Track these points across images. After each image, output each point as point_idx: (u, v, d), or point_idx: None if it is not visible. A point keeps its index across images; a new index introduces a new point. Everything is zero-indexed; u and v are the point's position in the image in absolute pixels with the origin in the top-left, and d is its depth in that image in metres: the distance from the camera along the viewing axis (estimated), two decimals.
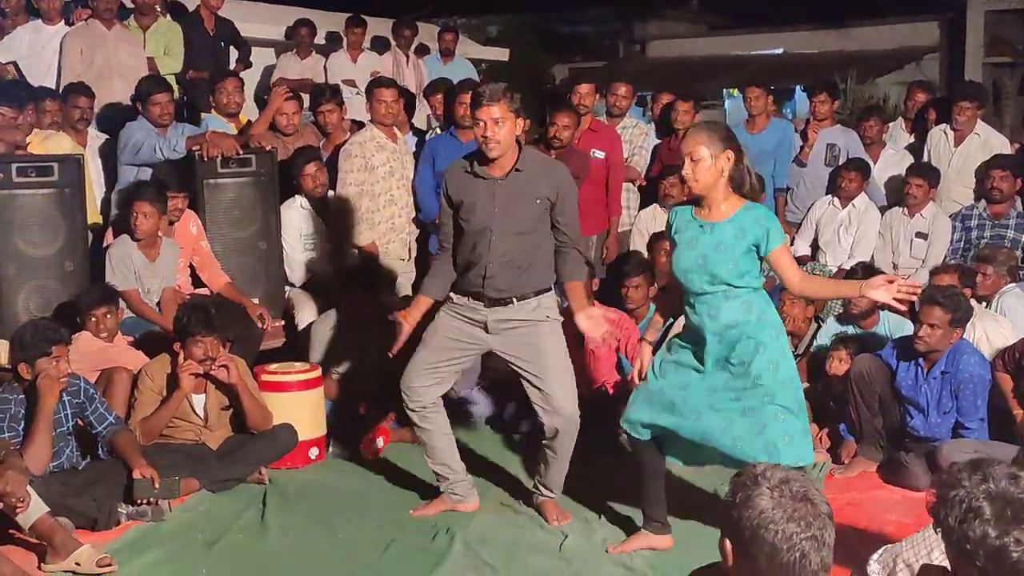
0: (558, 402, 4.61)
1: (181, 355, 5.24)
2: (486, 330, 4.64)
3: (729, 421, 4.16)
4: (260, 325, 6.23)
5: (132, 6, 8.36)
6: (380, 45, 10.59)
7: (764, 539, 2.24)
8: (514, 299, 4.59)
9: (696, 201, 4.26)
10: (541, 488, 4.91)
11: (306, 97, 7.75)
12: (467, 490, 4.93)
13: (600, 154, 7.27)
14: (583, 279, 4.92)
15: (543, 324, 4.64)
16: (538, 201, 4.52)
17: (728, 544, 2.33)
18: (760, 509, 2.26)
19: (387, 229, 6.90)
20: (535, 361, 4.62)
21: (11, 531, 4.47)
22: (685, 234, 4.24)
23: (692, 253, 4.19)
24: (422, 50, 11.19)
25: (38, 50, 7.77)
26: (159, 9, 8.61)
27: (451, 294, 4.70)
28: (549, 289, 4.69)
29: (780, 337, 4.24)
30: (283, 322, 6.61)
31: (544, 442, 4.76)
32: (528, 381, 4.66)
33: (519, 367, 4.67)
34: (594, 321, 4.65)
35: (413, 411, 4.75)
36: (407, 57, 10.58)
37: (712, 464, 4.45)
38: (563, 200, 4.58)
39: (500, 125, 4.39)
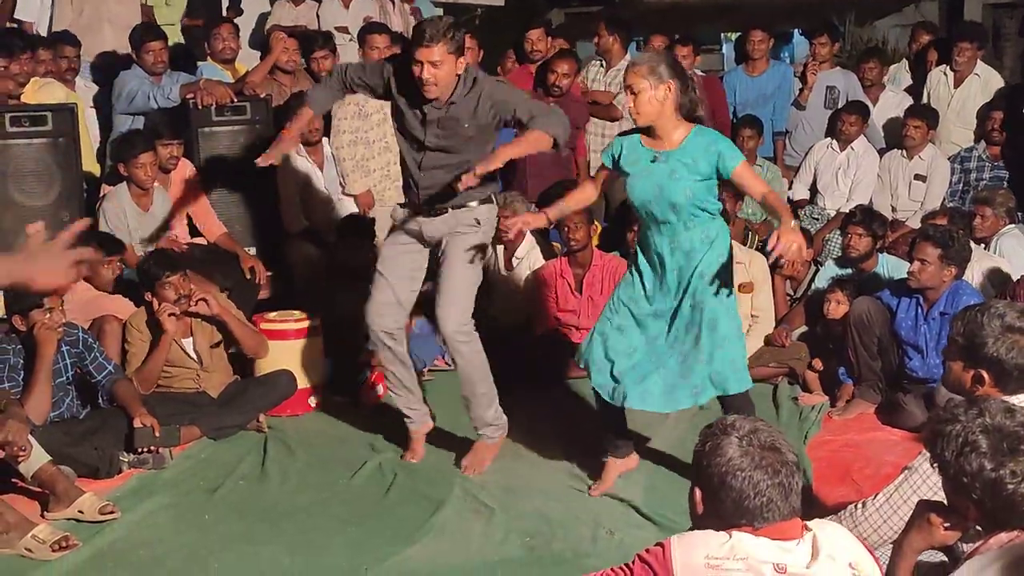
0: (444, 312, 4.63)
1: (155, 303, 5.24)
2: (422, 239, 4.69)
3: (683, 357, 4.26)
4: (250, 277, 6.21)
5: None
6: None
7: (732, 485, 2.30)
8: (449, 207, 4.61)
9: (645, 130, 4.29)
10: (477, 429, 4.89)
11: None
12: (427, 410, 5.02)
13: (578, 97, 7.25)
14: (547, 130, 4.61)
15: (468, 234, 4.64)
16: (467, 125, 4.50)
17: (698, 492, 2.39)
18: (728, 457, 2.32)
19: (382, 176, 6.86)
20: (446, 261, 4.66)
21: (13, 480, 4.49)
22: (637, 165, 4.28)
23: (648, 183, 4.24)
24: None
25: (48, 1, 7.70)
26: None
27: (394, 211, 4.82)
28: (489, 199, 4.69)
29: (727, 266, 4.30)
30: (269, 273, 6.56)
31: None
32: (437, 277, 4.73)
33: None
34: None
35: (381, 336, 4.73)
36: (392, 3, 10.46)
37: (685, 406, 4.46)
38: (500, 107, 4.49)
39: (438, 67, 4.35)
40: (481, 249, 4.70)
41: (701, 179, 4.19)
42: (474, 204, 4.60)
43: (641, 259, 4.40)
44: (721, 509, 2.33)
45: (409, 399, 4.93)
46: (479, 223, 4.64)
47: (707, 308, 4.22)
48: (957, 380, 3.11)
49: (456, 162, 4.52)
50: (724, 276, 4.26)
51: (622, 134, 4.51)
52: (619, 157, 4.35)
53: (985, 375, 3.01)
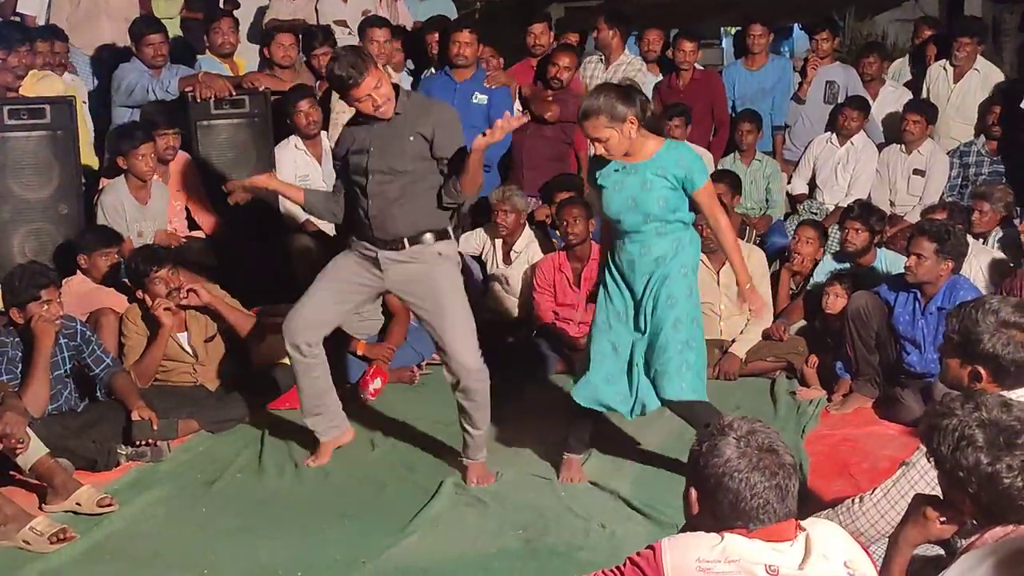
0: (456, 350, 4.50)
1: (147, 299, 5.24)
2: (378, 266, 4.56)
3: (650, 363, 4.33)
4: None
5: None
6: None
7: (728, 487, 2.29)
8: (405, 240, 4.50)
9: None
10: (463, 453, 4.70)
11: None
12: (343, 420, 4.94)
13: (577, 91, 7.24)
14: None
15: (438, 266, 4.54)
16: (412, 139, 4.44)
17: (694, 493, 2.37)
18: (726, 458, 2.31)
19: None
20: (431, 300, 4.54)
21: (11, 472, 4.50)
22: (610, 178, 4.32)
23: (621, 195, 4.29)
24: None
25: None
26: None
27: (350, 239, 4.68)
28: (447, 235, 4.59)
29: (688, 275, 4.35)
30: None
31: (456, 395, 4.60)
32: (426, 322, 4.60)
33: (415, 305, 4.64)
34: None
35: (297, 347, 4.67)
36: None
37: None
38: (441, 136, 4.47)
39: (380, 89, 4.35)
40: (457, 279, 4.65)
41: (671, 188, 4.24)
42: (429, 239, 4.51)
43: (609, 276, 4.45)
44: (717, 510, 2.32)
45: (317, 415, 4.83)
46: (441, 255, 4.56)
47: (670, 314, 4.27)
48: (955, 377, 3.11)
49: (403, 184, 4.47)
50: (688, 283, 4.32)
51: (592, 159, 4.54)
52: (598, 177, 4.38)
53: (982, 371, 3.01)
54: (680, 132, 7.01)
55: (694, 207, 4.33)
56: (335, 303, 4.69)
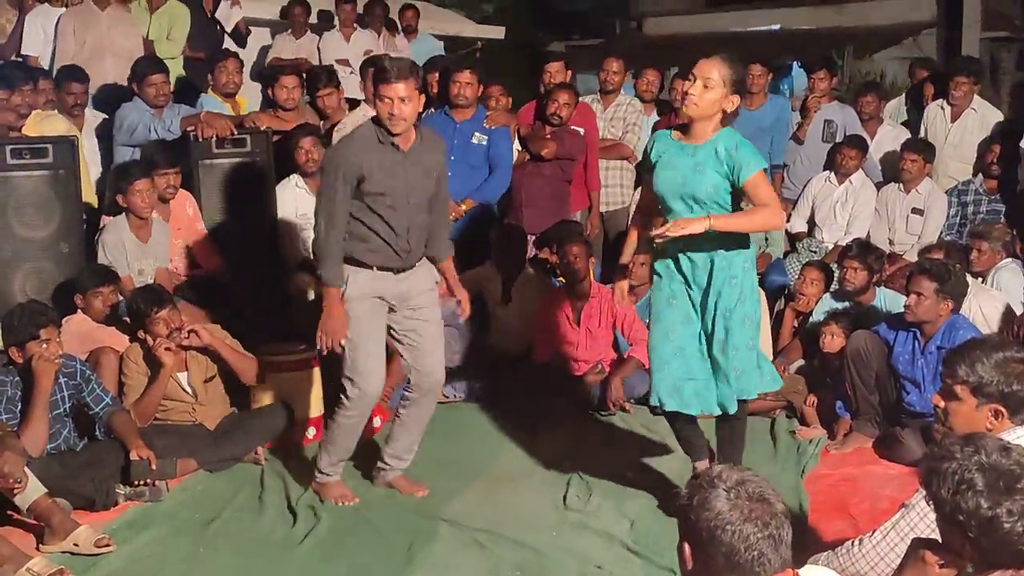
0: (430, 363, 4.72)
1: (148, 340, 5.24)
2: (387, 295, 4.64)
3: (715, 362, 4.33)
4: None
5: None
6: (325, 20, 10.56)
7: (721, 540, 2.24)
8: (416, 264, 4.67)
9: (681, 128, 4.31)
10: (390, 462, 4.93)
11: None
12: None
13: (576, 129, 7.28)
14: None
15: (431, 291, 4.74)
16: (434, 173, 4.60)
17: (687, 547, 2.33)
18: (717, 511, 2.26)
19: None
20: (417, 320, 4.68)
21: (9, 512, 4.48)
22: (664, 155, 4.30)
23: (672, 173, 4.27)
24: (392, 26, 11.17)
25: (51, 35, 7.76)
26: None
27: (353, 272, 4.58)
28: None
29: (750, 271, 4.35)
30: None
31: (404, 408, 4.84)
32: (404, 340, 4.72)
33: (399, 323, 4.69)
34: (466, 299, 4.89)
35: (374, 398, 4.73)
36: (394, 35, 10.56)
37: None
38: (441, 175, 4.68)
39: (406, 103, 4.39)
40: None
41: (722, 176, 4.20)
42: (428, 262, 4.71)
43: (667, 281, 4.40)
44: (712, 564, 2.27)
45: (344, 455, 4.91)
46: (436, 282, 4.76)
47: (733, 315, 4.26)
48: (967, 421, 3.08)
49: (424, 214, 4.59)
50: (752, 280, 4.32)
51: (654, 128, 4.57)
52: (653, 152, 4.37)
53: (1003, 409, 3.02)
54: None
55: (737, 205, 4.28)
56: (382, 345, 4.72)
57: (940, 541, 2.53)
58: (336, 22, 10.20)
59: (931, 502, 2.48)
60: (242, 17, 9.58)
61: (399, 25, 11.22)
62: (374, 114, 6.69)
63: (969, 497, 2.36)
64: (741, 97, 4.25)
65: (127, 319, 5.50)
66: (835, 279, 6.49)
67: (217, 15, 9.36)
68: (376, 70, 4.60)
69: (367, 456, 5.39)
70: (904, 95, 9.04)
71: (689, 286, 4.36)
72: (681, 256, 4.34)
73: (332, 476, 4.89)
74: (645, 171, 4.50)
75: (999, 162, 7.42)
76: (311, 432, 5.69)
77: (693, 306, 4.37)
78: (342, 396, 4.71)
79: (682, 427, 4.60)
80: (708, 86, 4.15)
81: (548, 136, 7.12)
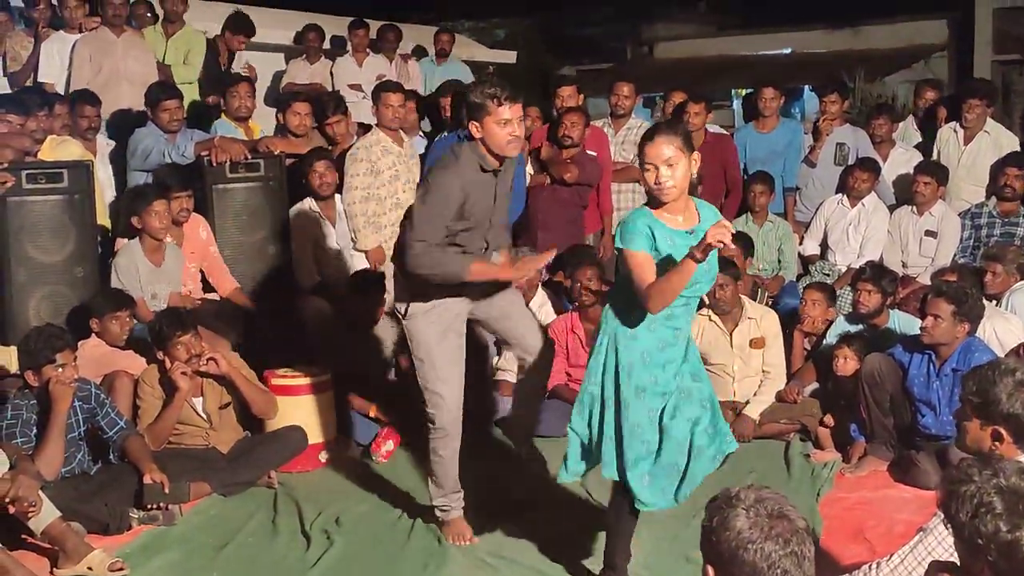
0: (531, 339, 4.76)
1: (167, 362, 5.26)
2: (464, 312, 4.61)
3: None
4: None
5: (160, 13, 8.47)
6: (338, 46, 10.61)
7: (744, 559, 2.23)
8: None
9: (655, 207, 3.88)
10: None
11: None
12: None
13: (591, 154, 7.31)
14: None
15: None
16: (510, 189, 4.63)
17: (711, 570, 2.31)
18: (737, 530, 2.25)
19: (392, 233, 6.88)
20: (502, 306, 4.68)
21: (23, 536, 4.48)
22: (675, 245, 3.84)
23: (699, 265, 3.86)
24: (420, 52, 11.23)
25: (67, 61, 7.82)
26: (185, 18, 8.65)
27: (432, 300, 4.48)
28: None
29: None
30: None
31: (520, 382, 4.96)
32: (496, 327, 4.79)
33: (484, 313, 4.67)
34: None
35: (449, 422, 4.54)
36: (406, 61, 10.61)
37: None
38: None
39: (520, 124, 4.33)
40: None
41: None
42: None
43: (644, 344, 4.01)
44: None
45: (459, 491, 4.72)
46: None
47: (703, 378, 4.09)
48: (975, 439, 3.10)
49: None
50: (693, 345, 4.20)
51: (622, 222, 4.03)
52: (653, 238, 3.85)
53: (1003, 432, 3.01)
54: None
55: None
56: (460, 364, 4.63)
57: (959, 565, 2.51)
58: (349, 47, 10.25)
59: (949, 525, 2.46)
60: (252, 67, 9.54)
61: (427, 51, 11.29)
62: (386, 139, 6.79)
63: (988, 520, 2.35)
64: (692, 149, 3.87)
65: (148, 340, 5.50)
66: (848, 302, 6.47)
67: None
68: (484, 95, 4.25)
69: (376, 479, 5.40)
70: (912, 116, 9.04)
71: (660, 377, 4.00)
72: (680, 326, 4.01)
73: (451, 511, 4.68)
74: (649, 250, 3.86)
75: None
76: (323, 456, 5.69)
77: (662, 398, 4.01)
78: (427, 412, 4.55)
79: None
80: (671, 164, 3.77)
81: (569, 160, 7.17)
